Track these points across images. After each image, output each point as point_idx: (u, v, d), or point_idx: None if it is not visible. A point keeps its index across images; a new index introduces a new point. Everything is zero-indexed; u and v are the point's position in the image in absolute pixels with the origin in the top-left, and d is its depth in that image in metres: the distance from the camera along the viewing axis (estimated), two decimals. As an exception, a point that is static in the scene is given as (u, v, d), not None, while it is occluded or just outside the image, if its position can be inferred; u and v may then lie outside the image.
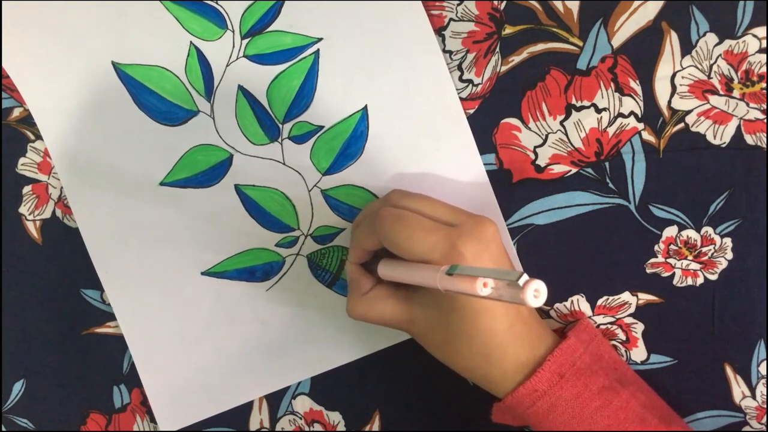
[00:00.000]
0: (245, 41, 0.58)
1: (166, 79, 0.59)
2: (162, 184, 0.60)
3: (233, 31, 0.58)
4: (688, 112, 0.56)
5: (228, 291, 0.62)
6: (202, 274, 0.62)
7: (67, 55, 0.59)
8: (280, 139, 0.59)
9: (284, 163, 0.59)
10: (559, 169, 0.58)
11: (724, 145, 0.56)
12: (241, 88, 0.58)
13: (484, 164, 0.58)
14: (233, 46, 0.58)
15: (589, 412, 0.52)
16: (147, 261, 0.62)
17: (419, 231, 0.50)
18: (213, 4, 0.57)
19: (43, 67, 0.59)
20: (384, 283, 0.56)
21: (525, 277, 0.40)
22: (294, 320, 0.62)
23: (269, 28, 0.57)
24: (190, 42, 0.58)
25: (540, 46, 0.57)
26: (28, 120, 0.61)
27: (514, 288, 0.41)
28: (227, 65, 0.58)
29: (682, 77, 0.56)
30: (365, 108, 0.58)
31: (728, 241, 0.58)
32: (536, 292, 0.39)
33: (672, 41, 0.55)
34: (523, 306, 0.53)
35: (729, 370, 0.59)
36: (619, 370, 0.56)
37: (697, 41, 0.55)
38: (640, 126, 0.57)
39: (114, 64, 0.59)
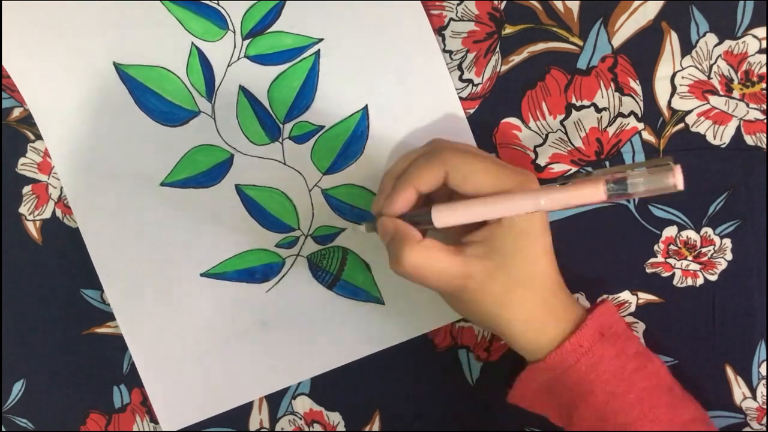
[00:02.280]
0: (246, 42, 0.58)
1: (168, 79, 0.59)
2: (163, 184, 0.60)
3: (234, 32, 0.58)
4: (688, 112, 0.56)
5: (228, 292, 0.62)
6: (201, 275, 0.62)
7: (68, 56, 0.59)
8: (280, 139, 0.59)
9: (285, 163, 0.59)
10: (559, 168, 0.58)
11: (724, 146, 0.56)
12: (242, 88, 0.58)
13: (485, 164, 0.58)
14: (234, 47, 0.58)
15: (627, 372, 0.52)
16: (147, 261, 0.62)
17: (493, 164, 0.50)
18: (214, 5, 0.57)
19: (44, 67, 0.59)
20: (432, 238, 0.51)
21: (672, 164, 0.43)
22: (294, 321, 0.62)
23: (270, 29, 0.57)
24: (192, 43, 0.58)
25: (540, 46, 0.57)
26: (28, 120, 0.61)
27: (658, 174, 0.43)
28: (228, 66, 0.58)
29: (682, 77, 0.56)
30: (365, 108, 0.58)
31: (728, 242, 0.58)
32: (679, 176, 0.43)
33: (672, 41, 0.56)
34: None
35: (729, 371, 0.59)
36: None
37: (697, 41, 0.55)
38: (640, 126, 0.57)
39: (116, 64, 0.59)
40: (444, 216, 0.49)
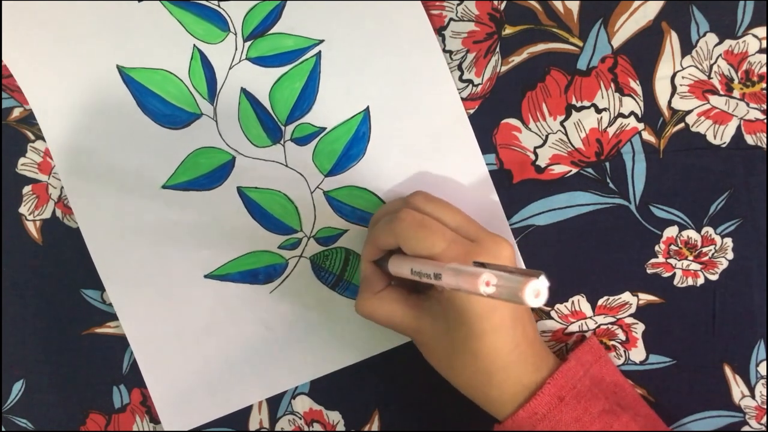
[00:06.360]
0: (247, 44, 0.58)
1: (170, 82, 0.59)
2: (164, 187, 0.60)
3: (236, 34, 0.58)
4: (689, 112, 0.56)
5: (231, 294, 0.62)
6: (205, 276, 0.62)
7: (71, 58, 0.59)
8: (282, 141, 0.59)
9: (287, 165, 0.59)
10: (559, 169, 0.58)
11: (724, 145, 0.57)
12: (243, 90, 0.58)
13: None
14: (236, 49, 0.58)
15: None
16: (149, 264, 0.62)
17: (440, 240, 0.49)
18: (215, 7, 0.57)
19: (47, 69, 0.59)
20: (396, 286, 0.56)
21: (543, 278, 0.37)
22: (297, 322, 0.62)
23: (271, 31, 0.57)
24: (194, 45, 0.58)
25: (540, 47, 0.57)
26: (28, 120, 0.61)
27: (514, 285, 0.38)
28: (230, 68, 0.58)
29: (683, 77, 0.56)
30: (367, 109, 0.58)
31: (729, 241, 0.58)
32: (536, 292, 0.37)
33: (672, 41, 0.56)
34: (530, 327, 0.53)
35: (728, 370, 0.60)
36: (620, 393, 0.56)
37: (698, 41, 0.55)
38: (641, 126, 0.57)
39: (119, 67, 0.59)
40: (394, 267, 0.54)
